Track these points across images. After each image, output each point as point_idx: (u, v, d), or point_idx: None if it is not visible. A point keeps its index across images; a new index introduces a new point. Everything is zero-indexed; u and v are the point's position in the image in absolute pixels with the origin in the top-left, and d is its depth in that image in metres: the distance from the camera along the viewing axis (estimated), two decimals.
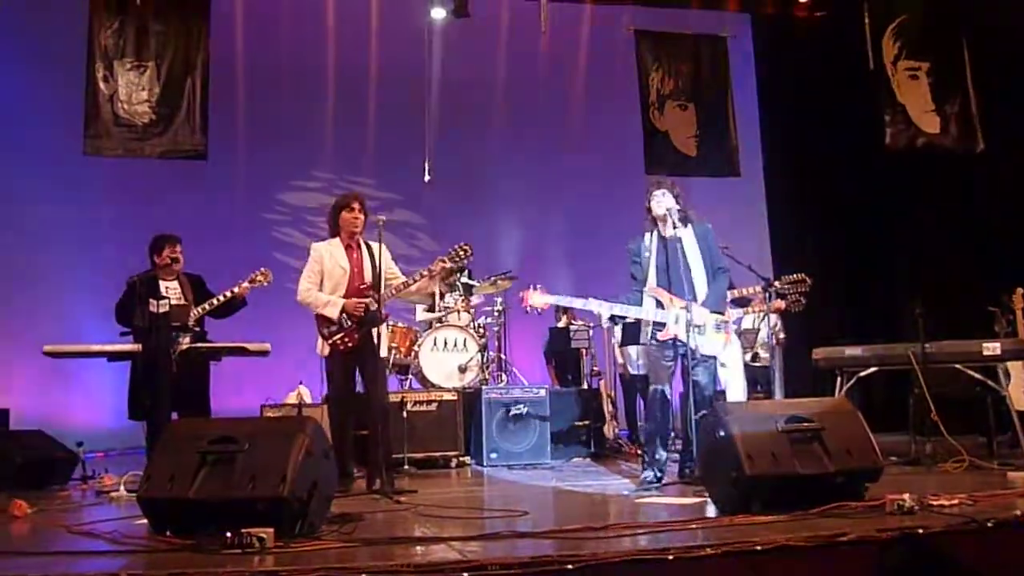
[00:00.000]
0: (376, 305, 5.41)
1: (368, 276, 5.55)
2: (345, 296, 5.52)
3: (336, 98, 10.11)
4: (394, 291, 5.63)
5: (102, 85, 8.14)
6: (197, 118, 8.31)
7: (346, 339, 5.47)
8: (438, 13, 9.45)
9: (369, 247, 5.64)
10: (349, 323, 5.46)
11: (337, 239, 5.65)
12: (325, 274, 5.58)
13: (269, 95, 9.79)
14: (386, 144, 10.11)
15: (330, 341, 5.49)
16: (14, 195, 8.77)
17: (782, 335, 7.65)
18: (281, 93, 9.85)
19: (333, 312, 5.47)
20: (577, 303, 5.31)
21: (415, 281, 5.66)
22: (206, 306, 6.11)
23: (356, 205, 5.60)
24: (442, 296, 7.95)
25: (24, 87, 8.84)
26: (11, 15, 8.73)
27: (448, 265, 5.70)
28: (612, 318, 5.35)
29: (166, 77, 8.30)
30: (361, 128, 10.15)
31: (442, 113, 10.04)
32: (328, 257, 5.59)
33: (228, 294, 6.16)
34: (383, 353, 5.60)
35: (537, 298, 5.38)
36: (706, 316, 5.20)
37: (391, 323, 7.21)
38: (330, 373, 5.62)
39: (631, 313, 5.24)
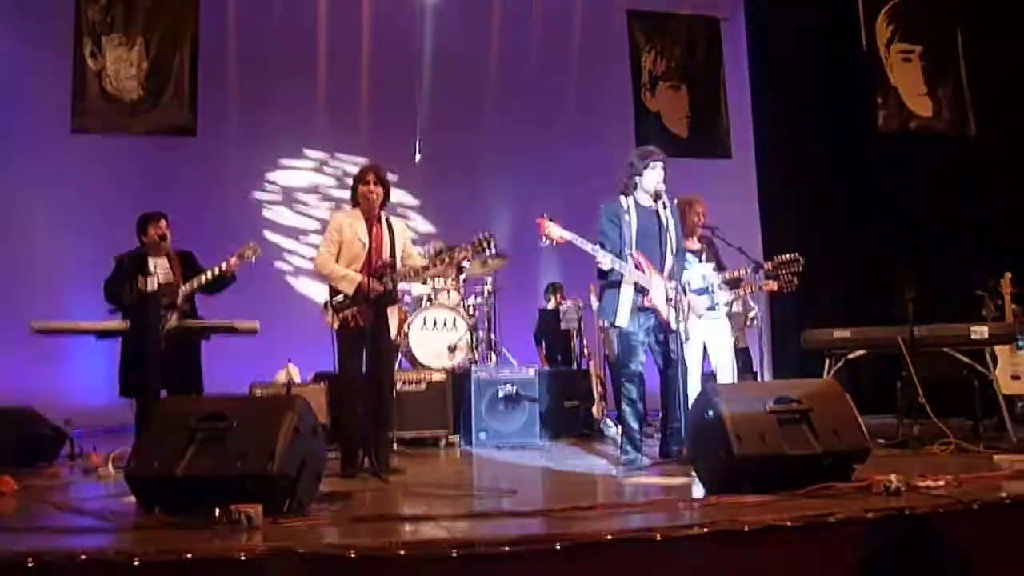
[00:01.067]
0: (392, 285, 5.35)
1: (387, 253, 5.41)
2: (362, 271, 5.34)
3: (328, 76, 10.02)
4: (412, 273, 5.51)
5: (90, 61, 8.07)
6: (186, 94, 8.25)
7: (357, 315, 5.30)
8: None
9: (390, 223, 5.52)
10: (363, 300, 5.29)
11: (358, 210, 5.46)
12: (344, 245, 5.38)
13: (260, 72, 9.70)
14: (378, 123, 10.04)
15: (341, 315, 5.32)
16: (0, 173, 8.69)
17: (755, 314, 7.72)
18: (272, 70, 9.75)
19: (348, 287, 5.28)
20: (588, 247, 5.23)
21: (434, 266, 5.56)
22: (194, 283, 6.07)
23: (371, 177, 5.40)
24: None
25: (10, 64, 8.72)
26: None
27: (470, 256, 5.62)
28: (607, 273, 5.30)
29: (155, 53, 8.23)
30: (353, 107, 10.08)
31: (434, 92, 9.99)
32: (348, 228, 5.40)
33: (216, 270, 6.13)
34: (392, 335, 5.56)
35: (555, 230, 5.29)
36: (673, 292, 5.22)
37: None
38: (340, 349, 5.36)
39: (625, 271, 5.21)
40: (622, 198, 5.40)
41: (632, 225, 5.31)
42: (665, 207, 5.31)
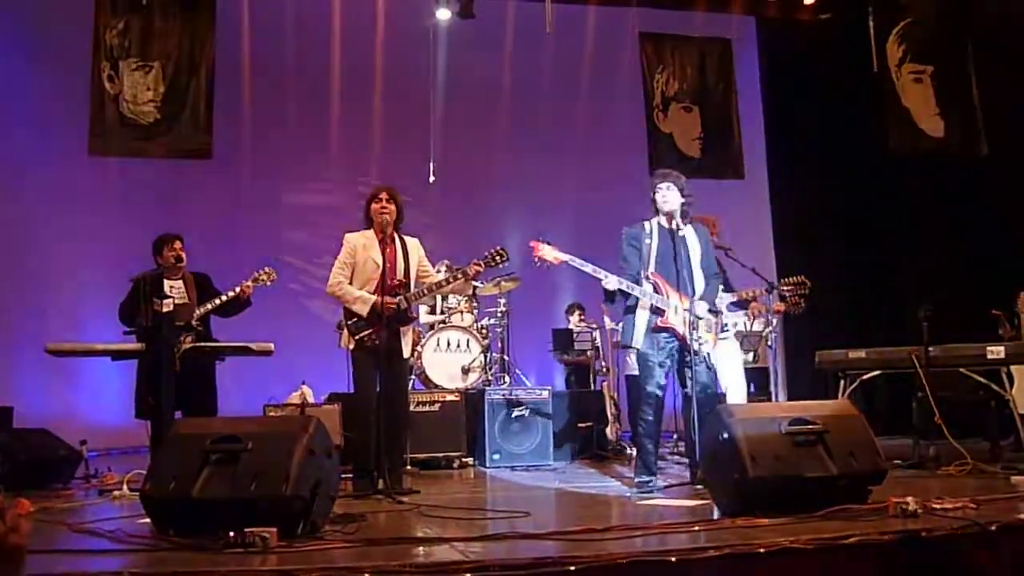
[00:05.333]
0: (407, 304, 5.38)
1: (400, 273, 5.44)
2: (375, 292, 5.36)
3: (341, 99, 10.11)
4: (427, 290, 5.55)
5: (107, 85, 8.15)
6: (202, 118, 8.32)
7: (373, 336, 5.31)
8: (443, 14, 9.44)
9: (404, 241, 5.54)
10: (377, 320, 5.29)
11: (371, 231, 5.50)
12: (357, 267, 5.42)
13: (274, 95, 9.80)
14: (392, 145, 10.10)
15: (356, 337, 5.36)
16: (18, 195, 8.76)
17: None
18: (286, 94, 9.85)
19: (363, 309, 5.31)
20: (588, 268, 5.20)
21: (448, 283, 5.58)
22: (208, 305, 6.10)
23: (383, 196, 5.45)
24: (445, 298, 7.94)
25: (29, 87, 8.83)
26: (16, 14, 8.75)
27: (482, 269, 5.64)
28: (612, 295, 5.28)
29: (171, 77, 8.30)
30: (367, 129, 10.15)
31: (447, 114, 10.05)
32: (361, 249, 5.43)
33: (231, 294, 6.16)
34: (406, 354, 5.58)
35: (549, 252, 5.29)
36: (702, 311, 5.20)
37: None
38: (355, 369, 5.42)
39: (634, 291, 5.20)
40: (646, 222, 5.40)
41: (653, 247, 5.30)
42: (679, 228, 5.29)
